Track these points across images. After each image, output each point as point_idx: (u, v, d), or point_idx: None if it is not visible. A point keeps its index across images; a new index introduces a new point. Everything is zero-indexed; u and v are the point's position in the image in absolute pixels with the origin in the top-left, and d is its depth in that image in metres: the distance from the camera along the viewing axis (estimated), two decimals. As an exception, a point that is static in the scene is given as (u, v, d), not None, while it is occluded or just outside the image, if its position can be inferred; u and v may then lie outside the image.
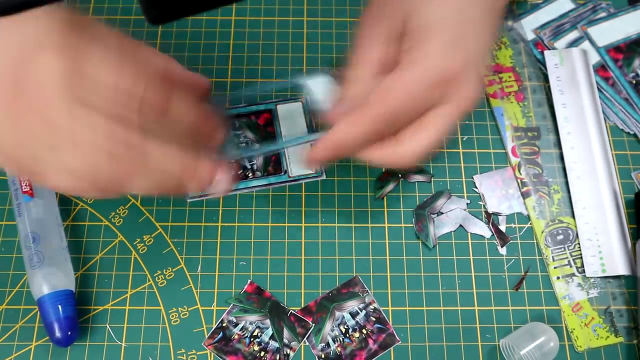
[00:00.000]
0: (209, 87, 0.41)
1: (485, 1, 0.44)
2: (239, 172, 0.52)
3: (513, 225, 0.51)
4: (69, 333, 0.44)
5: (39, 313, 0.47)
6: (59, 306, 0.45)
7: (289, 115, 0.54)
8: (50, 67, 0.34)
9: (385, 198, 0.52)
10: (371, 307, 0.48)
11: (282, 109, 0.54)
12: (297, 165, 0.52)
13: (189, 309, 0.48)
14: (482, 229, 0.51)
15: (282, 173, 0.52)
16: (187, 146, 0.38)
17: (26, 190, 0.48)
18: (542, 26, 0.59)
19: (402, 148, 0.42)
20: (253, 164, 0.52)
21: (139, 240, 0.50)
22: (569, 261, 0.50)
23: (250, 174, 0.52)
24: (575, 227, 0.51)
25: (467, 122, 0.55)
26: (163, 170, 0.37)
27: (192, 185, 0.38)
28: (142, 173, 0.36)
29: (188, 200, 0.51)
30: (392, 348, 0.47)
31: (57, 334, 0.44)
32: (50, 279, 0.45)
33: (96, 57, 0.35)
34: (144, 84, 0.35)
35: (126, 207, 0.51)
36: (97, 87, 0.34)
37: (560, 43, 0.58)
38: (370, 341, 0.47)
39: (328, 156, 0.42)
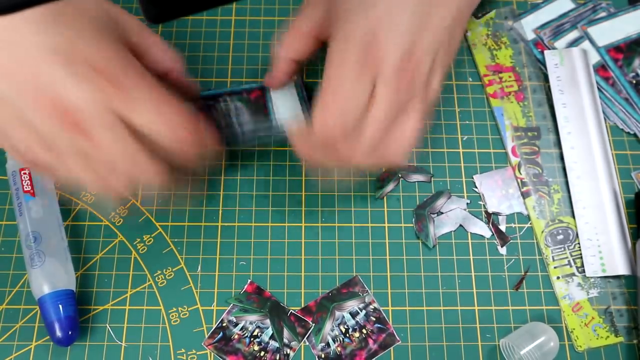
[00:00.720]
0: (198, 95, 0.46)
1: None
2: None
3: (513, 225, 0.51)
4: (70, 333, 0.44)
5: (39, 313, 0.47)
6: (60, 306, 0.45)
7: (281, 92, 0.53)
8: (88, 81, 0.37)
9: (385, 198, 0.52)
10: (371, 307, 0.48)
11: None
12: (283, 112, 0.51)
13: (189, 309, 0.48)
14: (482, 228, 0.51)
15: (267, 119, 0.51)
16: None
17: (27, 189, 0.48)
18: (542, 26, 0.59)
19: (385, 154, 0.44)
20: (243, 131, 0.51)
21: (139, 240, 0.50)
22: (569, 261, 0.50)
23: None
24: (575, 227, 0.51)
25: (467, 122, 0.55)
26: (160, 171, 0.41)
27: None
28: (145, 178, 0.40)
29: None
30: (392, 348, 0.47)
31: (58, 333, 0.44)
32: (50, 278, 0.45)
33: (140, 84, 0.38)
34: (185, 118, 0.39)
35: (126, 207, 0.51)
36: (139, 110, 0.38)
37: (561, 43, 0.58)
38: (370, 341, 0.47)
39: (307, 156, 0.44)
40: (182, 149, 0.40)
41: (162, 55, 0.44)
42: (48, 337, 0.46)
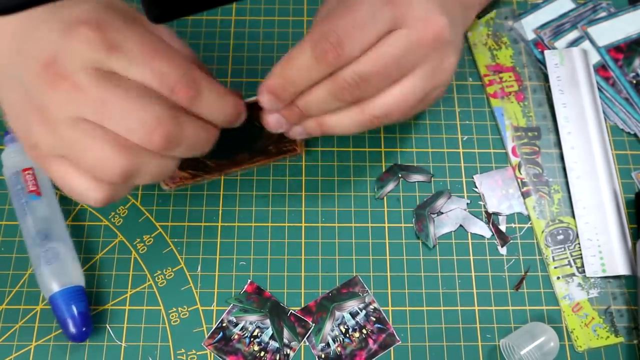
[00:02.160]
0: None
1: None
2: None
3: (513, 225, 0.51)
4: (84, 329, 0.45)
5: (39, 313, 0.47)
6: (72, 302, 0.45)
7: None
8: (82, 39, 0.35)
9: (385, 198, 0.52)
10: (371, 307, 0.48)
11: None
12: None
13: (189, 309, 0.48)
14: (482, 229, 0.51)
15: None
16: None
17: (32, 189, 0.48)
18: (542, 26, 0.58)
19: (369, 106, 0.41)
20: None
21: (139, 240, 0.50)
22: (569, 261, 0.50)
23: None
24: (576, 227, 0.51)
25: (467, 122, 0.55)
26: (194, 141, 0.39)
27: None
28: (174, 147, 0.38)
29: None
30: (392, 348, 0.47)
31: (72, 329, 0.44)
32: (60, 276, 0.45)
33: (134, 37, 0.36)
34: (176, 71, 0.36)
35: (126, 207, 0.51)
36: (131, 66, 0.36)
37: (561, 43, 0.58)
38: (370, 341, 0.47)
39: (278, 85, 0.40)
40: (185, 105, 0.37)
41: (169, 38, 0.41)
42: (48, 337, 0.46)
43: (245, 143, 0.50)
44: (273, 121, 0.43)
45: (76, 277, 0.46)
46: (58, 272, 0.45)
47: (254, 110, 0.43)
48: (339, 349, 0.46)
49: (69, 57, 0.36)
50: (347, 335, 0.47)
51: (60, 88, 0.36)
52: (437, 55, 0.42)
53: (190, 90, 0.37)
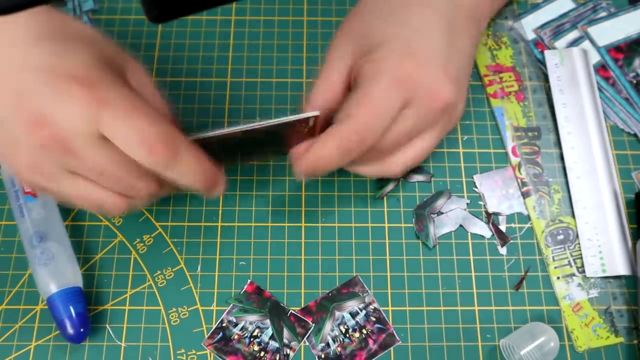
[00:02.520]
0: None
1: (455, 16, 0.48)
2: None
3: (513, 225, 0.51)
4: (82, 330, 0.45)
5: (39, 313, 0.47)
6: (69, 303, 0.45)
7: None
8: (74, 99, 0.37)
9: (385, 198, 0.52)
10: (371, 307, 0.48)
11: None
12: None
13: (189, 309, 0.48)
14: (482, 229, 0.51)
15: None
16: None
17: (28, 190, 0.48)
18: (543, 26, 0.58)
19: (388, 162, 0.46)
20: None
21: (138, 240, 0.50)
22: (569, 261, 0.50)
23: None
24: (576, 227, 0.51)
25: (467, 122, 0.55)
26: (175, 185, 0.41)
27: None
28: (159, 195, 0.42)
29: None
30: (392, 348, 0.47)
31: (70, 331, 0.44)
32: (57, 277, 0.45)
33: (119, 94, 0.38)
34: (155, 130, 0.38)
35: (126, 207, 0.51)
36: (116, 124, 0.37)
37: (561, 43, 0.58)
38: (370, 341, 0.47)
39: (309, 171, 0.45)
40: (160, 167, 0.38)
41: (152, 96, 0.43)
42: (48, 337, 0.46)
43: (264, 151, 0.51)
44: (299, 174, 0.46)
45: (74, 278, 0.46)
46: (55, 273, 0.45)
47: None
48: (339, 349, 0.46)
49: (62, 119, 0.36)
50: (347, 335, 0.47)
51: (53, 150, 0.37)
52: (446, 117, 0.46)
53: (169, 149, 0.38)
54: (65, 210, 0.50)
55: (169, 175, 0.39)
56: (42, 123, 0.36)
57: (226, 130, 0.42)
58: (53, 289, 0.45)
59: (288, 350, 0.46)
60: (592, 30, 0.58)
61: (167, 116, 0.42)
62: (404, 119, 0.44)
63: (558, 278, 0.49)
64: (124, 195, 0.41)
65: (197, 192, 0.42)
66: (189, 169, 0.39)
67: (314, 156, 0.44)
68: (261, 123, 0.42)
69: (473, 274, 0.49)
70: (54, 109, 0.37)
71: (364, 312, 0.48)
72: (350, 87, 0.47)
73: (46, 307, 0.47)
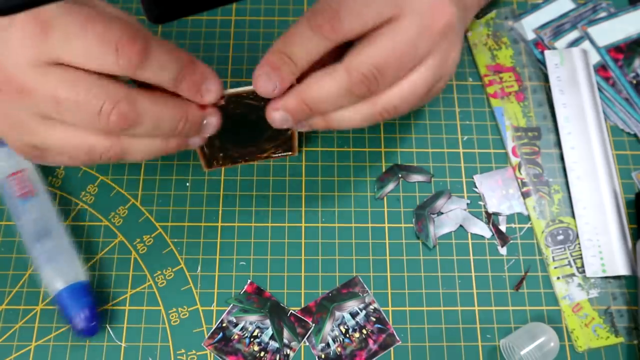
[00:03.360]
0: None
1: None
2: None
3: (513, 225, 0.51)
4: (92, 323, 0.45)
5: (39, 313, 0.47)
6: (78, 298, 0.45)
7: None
8: (19, 32, 0.34)
9: (385, 198, 0.52)
10: (371, 307, 0.48)
11: None
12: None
13: (189, 309, 0.48)
14: (482, 229, 0.51)
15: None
16: (175, 97, 0.38)
17: (22, 192, 0.48)
18: (543, 26, 0.58)
19: (381, 102, 0.40)
20: None
21: (139, 240, 0.50)
22: (569, 261, 0.50)
23: None
24: (576, 227, 0.51)
25: (467, 122, 0.55)
26: (157, 117, 0.37)
27: (187, 128, 0.38)
28: (137, 125, 0.36)
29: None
30: (392, 348, 0.47)
31: (81, 325, 0.45)
32: (63, 273, 0.46)
33: (65, 12, 0.34)
34: (117, 30, 0.34)
35: (126, 207, 0.51)
36: (69, 42, 0.34)
37: (561, 43, 0.58)
38: (370, 341, 0.47)
39: (297, 110, 0.40)
40: (132, 67, 0.34)
41: (118, 12, 0.39)
42: (48, 337, 0.46)
43: (255, 132, 0.48)
44: (278, 118, 0.41)
45: (79, 273, 0.46)
46: (60, 269, 0.46)
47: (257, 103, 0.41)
48: (339, 349, 0.46)
49: (10, 57, 0.35)
50: (347, 335, 0.47)
51: (13, 95, 0.35)
52: (446, 45, 0.41)
53: (136, 43, 0.34)
54: (66, 211, 0.50)
55: (146, 76, 0.35)
56: (4, 73, 0.34)
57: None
58: (60, 285, 0.45)
59: (288, 351, 0.46)
60: (592, 30, 0.58)
61: (134, 24, 0.37)
62: (402, 30, 0.38)
63: (558, 278, 0.49)
64: (107, 133, 0.37)
65: (183, 92, 0.38)
66: (164, 64, 0.35)
67: (282, 40, 0.38)
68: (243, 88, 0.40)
69: (473, 274, 0.49)
70: (1, 51, 0.35)
71: (364, 312, 0.48)
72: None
73: (47, 307, 0.47)
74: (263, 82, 0.38)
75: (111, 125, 0.36)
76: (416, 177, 0.53)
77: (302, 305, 0.48)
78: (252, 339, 0.47)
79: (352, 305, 0.48)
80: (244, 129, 0.44)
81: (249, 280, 0.49)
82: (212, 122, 0.40)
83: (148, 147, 0.39)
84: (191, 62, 0.37)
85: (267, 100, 0.41)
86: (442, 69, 0.42)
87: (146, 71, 0.35)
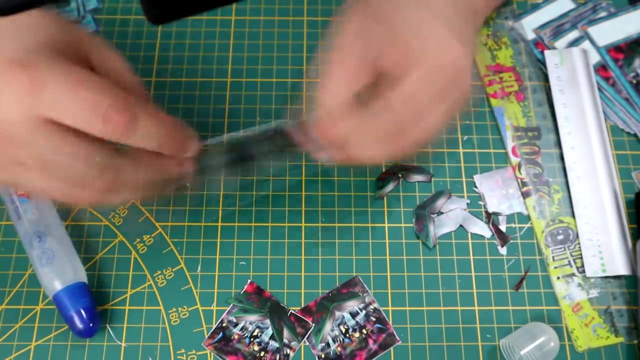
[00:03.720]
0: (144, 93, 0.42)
1: (453, 13, 0.45)
2: None
3: (513, 225, 0.51)
4: (91, 324, 0.45)
5: (39, 313, 0.47)
6: (76, 299, 0.45)
7: None
8: (11, 84, 0.34)
9: (385, 198, 0.52)
10: (371, 307, 0.48)
11: None
12: None
13: (189, 309, 0.48)
14: (482, 229, 0.51)
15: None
16: (158, 159, 0.40)
17: (21, 193, 0.48)
18: (543, 26, 0.58)
19: (406, 139, 0.41)
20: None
21: (139, 240, 0.50)
22: (569, 261, 0.50)
23: None
24: (576, 227, 0.51)
25: (467, 122, 0.55)
26: (139, 180, 0.39)
27: (165, 183, 0.40)
28: (118, 189, 0.38)
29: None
30: (392, 348, 0.47)
31: (79, 326, 0.45)
32: (61, 274, 0.45)
33: (58, 71, 0.35)
34: (107, 98, 0.35)
35: (126, 207, 0.51)
36: (59, 102, 0.34)
37: (561, 43, 0.58)
38: (370, 341, 0.47)
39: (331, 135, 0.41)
40: (118, 135, 0.36)
41: (117, 70, 0.40)
42: (48, 337, 0.46)
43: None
44: (323, 157, 0.44)
45: (78, 273, 0.46)
46: (58, 271, 0.46)
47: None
48: (339, 349, 0.46)
49: (4, 108, 0.35)
50: (347, 335, 0.47)
51: (13, 149, 0.35)
52: (460, 81, 0.43)
53: (124, 115, 0.35)
54: (65, 210, 0.50)
55: (131, 142, 0.37)
56: None
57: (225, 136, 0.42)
58: (58, 286, 0.45)
59: (288, 350, 0.46)
60: (592, 30, 0.58)
61: (136, 88, 0.40)
62: (415, 81, 0.40)
63: (558, 278, 0.49)
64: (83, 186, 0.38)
65: (167, 152, 0.39)
66: (150, 131, 0.37)
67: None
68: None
69: (473, 274, 0.49)
70: None
71: (364, 312, 0.48)
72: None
73: (47, 306, 0.47)
74: (323, 157, 0.43)
75: (95, 188, 0.37)
76: (416, 177, 0.53)
77: (302, 305, 0.48)
78: (252, 339, 0.47)
79: (352, 305, 0.48)
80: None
81: (249, 280, 0.49)
82: (188, 171, 0.42)
83: (125, 198, 0.40)
84: (174, 127, 0.39)
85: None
86: (457, 99, 0.44)
87: (131, 139, 0.36)
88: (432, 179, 0.52)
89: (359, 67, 0.41)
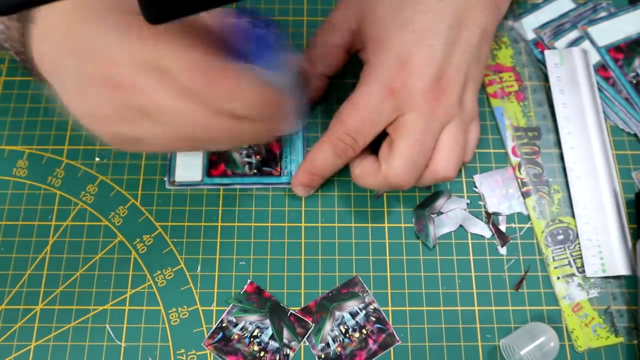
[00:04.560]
0: None
1: (466, 8, 0.47)
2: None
3: (513, 225, 0.51)
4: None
5: (39, 313, 0.47)
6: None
7: None
8: (131, 34, 0.36)
9: (385, 198, 0.52)
10: (371, 307, 0.48)
11: None
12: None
13: (189, 309, 0.48)
14: (482, 229, 0.51)
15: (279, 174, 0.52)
16: None
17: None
18: (543, 26, 0.58)
19: (384, 168, 0.45)
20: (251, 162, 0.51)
21: (138, 240, 0.50)
22: (569, 261, 0.50)
23: (247, 170, 0.52)
24: (576, 227, 0.51)
25: (467, 122, 0.55)
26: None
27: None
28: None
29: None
30: (392, 348, 0.47)
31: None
32: None
33: (175, 29, 0.36)
34: (216, 62, 0.36)
35: (126, 207, 0.51)
36: (174, 59, 0.35)
37: (561, 43, 0.58)
38: (370, 341, 0.47)
39: (308, 179, 0.49)
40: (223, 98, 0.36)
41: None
42: (48, 337, 0.46)
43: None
44: (302, 193, 0.51)
45: None
46: None
47: None
48: (338, 349, 0.46)
49: (122, 54, 0.35)
50: (347, 335, 0.47)
51: (124, 91, 0.36)
52: (457, 119, 0.46)
53: (226, 81, 0.36)
54: (66, 211, 0.50)
55: (230, 108, 0.37)
56: (105, 70, 0.35)
57: None
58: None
59: (288, 350, 0.46)
60: (592, 30, 0.58)
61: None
62: (408, 130, 0.45)
63: (558, 278, 0.49)
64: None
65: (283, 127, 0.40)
66: (248, 100, 0.37)
67: (310, 160, 0.47)
68: None
69: (473, 274, 0.49)
70: (111, 51, 0.35)
71: (364, 312, 0.48)
72: (349, 53, 0.51)
73: (47, 307, 0.47)
74: (301, 192, 0.51)
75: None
76: (416, 177, 0.53)
77: (302, 305, 0.48)
78: (252, 339, 0.47)
79: (352, 305, 0.48)
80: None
81: (248, 280, 0.49)
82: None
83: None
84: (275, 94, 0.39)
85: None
86: (464, 122, 0.47)
87: (232, 105, 0.36)
88: (432, 179, 0.53)
89: (345, 31, 0.49)
